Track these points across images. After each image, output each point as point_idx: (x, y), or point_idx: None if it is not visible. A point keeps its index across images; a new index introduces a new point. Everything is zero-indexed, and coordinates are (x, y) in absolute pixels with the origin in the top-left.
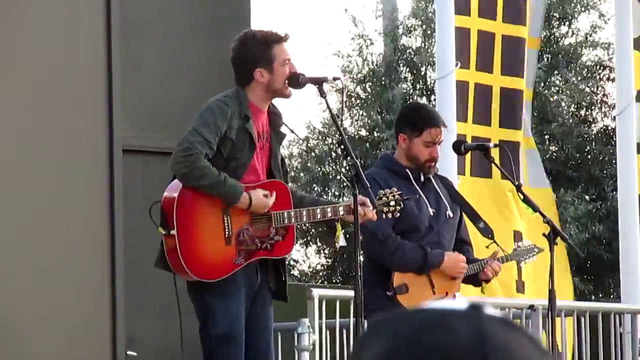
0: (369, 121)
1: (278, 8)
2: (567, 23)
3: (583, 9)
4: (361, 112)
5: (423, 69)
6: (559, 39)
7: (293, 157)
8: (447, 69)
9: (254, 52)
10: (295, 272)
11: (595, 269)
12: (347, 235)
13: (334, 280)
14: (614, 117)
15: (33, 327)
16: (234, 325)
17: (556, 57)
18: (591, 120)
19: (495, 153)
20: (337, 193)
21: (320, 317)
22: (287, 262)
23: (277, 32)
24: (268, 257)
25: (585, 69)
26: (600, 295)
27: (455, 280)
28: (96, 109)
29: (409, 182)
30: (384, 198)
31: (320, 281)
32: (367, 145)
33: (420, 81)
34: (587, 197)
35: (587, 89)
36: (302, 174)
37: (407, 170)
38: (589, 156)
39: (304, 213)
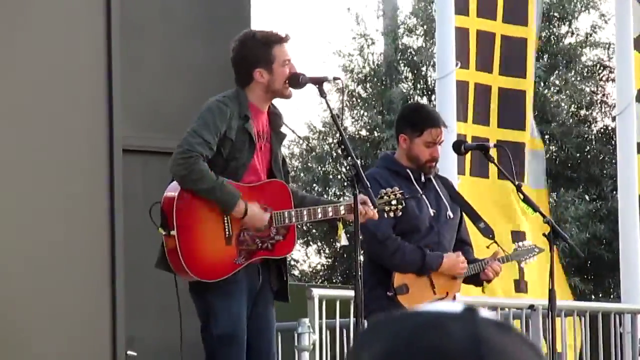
0: (370, 121)
1: (278, 7)
2: (567, 23)
3: (583, 8)
4: (362, 112)
5: (424, 68)
6: (559, 39)
7: (294, 156)
8: (447, 69)
9: (254, 52)
10: (296, 272)
11: (596, 269)
12: (349, 235)
13: (334, 280)
14: (614, 117)
15: (33, 327)
16: (236, 325)
17: (556, 57)
18: (591, 120)
19: (495, 153)
20: (338, 193)
21: (321, 317)
22: (288, 262)
23: (278, 32)
24: (269, 257)
25: (585, 69)
26: (600, 295)
27: (455, 281)
28: (96, 109)
29: (409, 182)
30: (385, 197)
31: (320, 281)
32: (368, 145)
33: (421, 81)
34: (587, 197)
35: (587, 89)
36: (302, 174)
37: (408, 170)
38: (589, 156)
39: (305, 213)
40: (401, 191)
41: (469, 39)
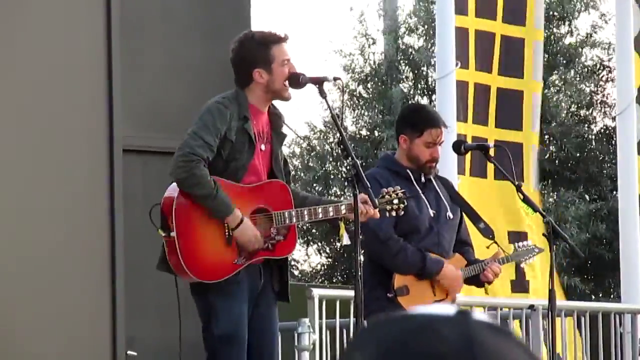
0: (370, 120)
1: (279, 7)
2: (567, 23)
3: (583, 8)
4: (362, 111)
5: (424, 68)
6: (559, 39)
7: (294, 156)
8: (447, 69)
9: (252, 52)
10: (296, 272)
11: (596, 269)
12: (350, 234)
13: (334, 280)
14: (614, 117)
15: (33, 327)
16: (237, 325)
17: (556, 57)
18: (591, 120)
19: (494, 153)
20: (338, 192)
21: (321, 317)
22: (289, 262)
23: (276, 32)
24: (270, 257)
25: (585, 69)
26: (600, 295)
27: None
28: (96, 109)
29: (409, 182)
30: (387, 196)
31: (321, 281)
32: (368, 144)
33: (422, 81)
34: (587, 197)
35: (587, 89)
36: (302, 173)
37: (408, 170)
38: (589, 156)
39: (306, 212)
40: (403, 190)
41: (469, 39)
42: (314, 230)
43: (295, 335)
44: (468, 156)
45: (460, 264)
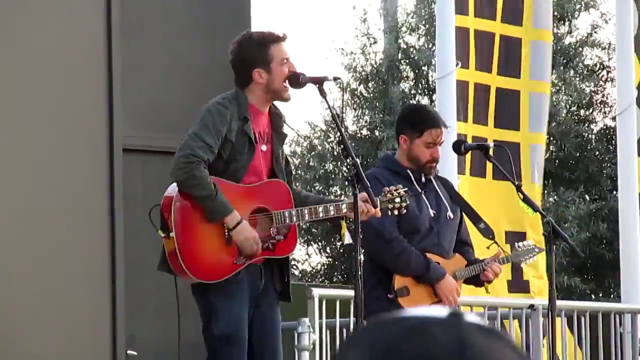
0: (370, 120)
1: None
2: (567, 22)
3: (583, 8)
4: (363, 111)
5: (425, 68)
6: (559, 39)
7: (295, 155)
8: (448, 69)
9: (251, 53)
10: (296, 272)
11: (596, 269)
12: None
13: (335, 279)
14: (614, 117)
15: (33, 327)
16: (237, 325)
17: (556, 57)
18: (591, 120)
19: (494, 153)
20: (339, 191)
21: (321, 317)
22: (289, 262)
23: (275, 32)
24: (270, 257)
25: (585, 69)
26: (601, 295)
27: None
28: (96, 108)
29: (410, 182)
30: (389, 195)
31: (321, 280)
32: (369, 144)
33: (423, 80)
34: (587, 197)
35: (587, 89)
36: (302, 173)
37: (408, 171)
38: (589, 156)
39: (306, 212)
40: (405, 189)
41: (469, 39)
42: (314, 230)
43: (295, 335)
44: (468, 156)
45: (460, 264)
